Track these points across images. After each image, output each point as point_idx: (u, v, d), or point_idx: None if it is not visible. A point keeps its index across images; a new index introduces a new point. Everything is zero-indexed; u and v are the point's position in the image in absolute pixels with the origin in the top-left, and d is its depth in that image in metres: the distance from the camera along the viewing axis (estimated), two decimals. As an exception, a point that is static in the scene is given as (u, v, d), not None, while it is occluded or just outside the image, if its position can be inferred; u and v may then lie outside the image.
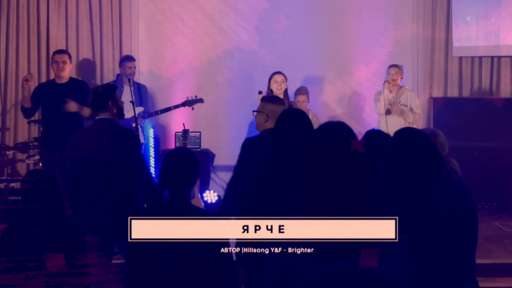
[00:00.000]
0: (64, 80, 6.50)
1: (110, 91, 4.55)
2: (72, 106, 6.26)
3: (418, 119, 7.22)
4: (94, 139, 4.41)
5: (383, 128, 6.85)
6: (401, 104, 7.14)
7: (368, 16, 8.45)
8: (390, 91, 7.16)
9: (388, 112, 7.11)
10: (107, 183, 4.33)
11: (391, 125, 6.83)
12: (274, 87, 6.64)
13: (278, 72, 6.73)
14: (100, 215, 4.32)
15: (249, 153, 4.16)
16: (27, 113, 6.59)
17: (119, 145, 4.35)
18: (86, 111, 6.17)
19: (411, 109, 7.16)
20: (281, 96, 6.61)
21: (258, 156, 3.84)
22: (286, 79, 6.68)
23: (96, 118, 4.53)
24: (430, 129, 4.42)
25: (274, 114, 4.12)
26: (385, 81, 7.15)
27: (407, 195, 2.79)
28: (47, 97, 6.43)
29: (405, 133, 3.01)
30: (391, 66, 7.29)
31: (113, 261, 4.59)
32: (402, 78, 7.26)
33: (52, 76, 8.32)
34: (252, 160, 4.00)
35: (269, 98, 4.78)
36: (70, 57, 6.68)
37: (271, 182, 3.43)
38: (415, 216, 2.76)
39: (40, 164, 7.16)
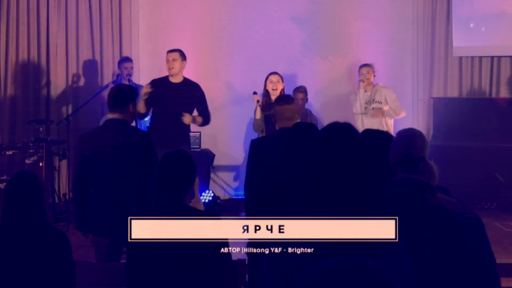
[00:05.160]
0: (177, 80, 6.28)
1: (134, 94, 4.50)
2: (187, 119, 6.12)
3: (399, 112, 7.25)
4: (107, 140, 4.30)
5: (360, 128, 6.87)
6: (375, 101, 7.17)
7: (368, 16, 8.45)
8: (365, 91, 7.21)
9: (365, 111, 7.16)
10: (118, 185, 4.24)
11: (368, 125, 6.90)
12: (269, 87, 6.63)
13: (274, 73, 6.71)
14: (109, 217, 4.22)
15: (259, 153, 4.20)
16: (141, 115, 6.30)
17: (134, 147, 4.28)
18: (199, 120, 6.23)
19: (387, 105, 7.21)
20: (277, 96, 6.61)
21: (267, 156, 3.86)
22: (282, 79, 6.66)
23: (108, 118, 4.42)
24: (413, 130, 4.26)
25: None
26: (359, 81, 7.22)
27: None
28: (158, 94, 6.16)
29: None
30: (362, 65, 7.37)
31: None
32: (374, 76, 7.30)
33: (52, 77, 8.35)
34: (262, 160, 4.01)
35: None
36: (182, 55, 6.32)
37: (282, 183, 3.45)
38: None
39: (41, 164, 7.12)
